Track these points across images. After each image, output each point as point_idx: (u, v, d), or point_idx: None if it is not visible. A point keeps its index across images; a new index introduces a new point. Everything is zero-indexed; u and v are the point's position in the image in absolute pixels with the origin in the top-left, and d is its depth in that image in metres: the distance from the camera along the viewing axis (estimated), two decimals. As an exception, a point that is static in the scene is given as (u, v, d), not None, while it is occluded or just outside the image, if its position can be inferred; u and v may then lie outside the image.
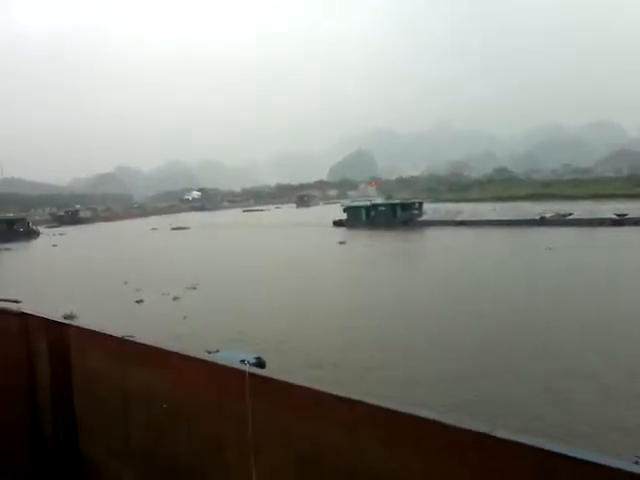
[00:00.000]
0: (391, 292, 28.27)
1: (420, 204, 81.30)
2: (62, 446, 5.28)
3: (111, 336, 4.74)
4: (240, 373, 3.63)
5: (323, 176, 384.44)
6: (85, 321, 5.54)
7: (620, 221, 57.36)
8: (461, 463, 2.70)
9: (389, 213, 77.47)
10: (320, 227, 78.01)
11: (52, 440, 5.36)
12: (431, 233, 64.88)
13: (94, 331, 5.01)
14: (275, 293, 29.09)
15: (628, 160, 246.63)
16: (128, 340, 4.56)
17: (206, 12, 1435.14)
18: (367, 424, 3.05)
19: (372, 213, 79.55)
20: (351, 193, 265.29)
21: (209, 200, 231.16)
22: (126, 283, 33.57)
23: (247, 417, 3.55)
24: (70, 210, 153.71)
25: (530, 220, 64.28)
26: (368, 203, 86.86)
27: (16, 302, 5.93)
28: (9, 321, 5.63)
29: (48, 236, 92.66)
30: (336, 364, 16.38)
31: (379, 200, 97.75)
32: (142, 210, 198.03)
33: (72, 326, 5.31)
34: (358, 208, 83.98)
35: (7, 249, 69.72)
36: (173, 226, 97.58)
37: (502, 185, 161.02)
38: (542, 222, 62.72)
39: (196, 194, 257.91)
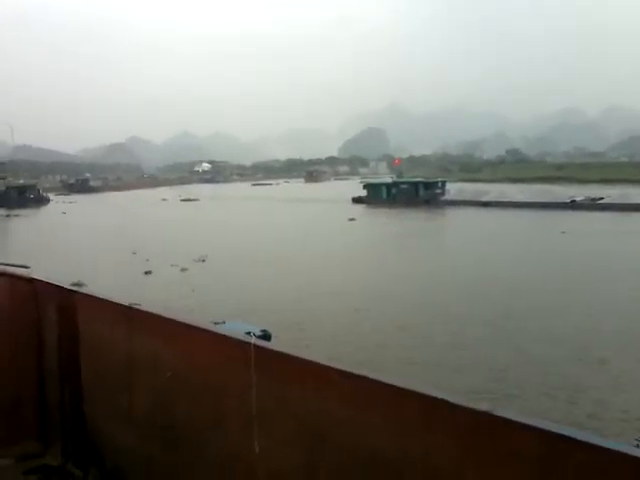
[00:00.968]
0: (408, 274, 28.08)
1: (443, 183, 79.86)
2: (67, 409, 5.35)
3: (118, 304, 4.76)
4: (246, 345, 3.64)
5: (334, 152, 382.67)
6: (93, 290, 5.57)
7: None
8: (464, 442, 2.71)
9: (411, 191, 76.17)
10: (338, 203, 77.15)
11: (58, 403, 5.43)
12: (454, 213, 63.56)
13: (101, 298, 5.04)
14: (284, 269, 29.06)
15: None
16: (135, 308, 4.58)
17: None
18: (371, 400, 3.06)
19: (393, 191, 78.24)
20: (362, 170, 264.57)
21: (219, 173, 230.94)
22: (134, 253, 33.67)
23: (251, 389, 3.57)
24: (80, 178, 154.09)
25: (560, 203, 62.69)
26: (389, 180, 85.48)
27: (25, 267, 5.95)
28: (18, 286, 5.67)
29: (58, 203, 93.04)
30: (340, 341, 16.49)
31: (390, 178, 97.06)
32: (152, 181, 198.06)
33: (80, 293, 5.35)
34: (379, 185, 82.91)
35: (17, 215, 70.12)
36: (182, 197, 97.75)
37: (513, 167, 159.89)
38: (573, 206, 60.98)
39: (206, 166, 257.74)
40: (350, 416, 3.17)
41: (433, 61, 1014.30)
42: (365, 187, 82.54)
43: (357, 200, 79.13)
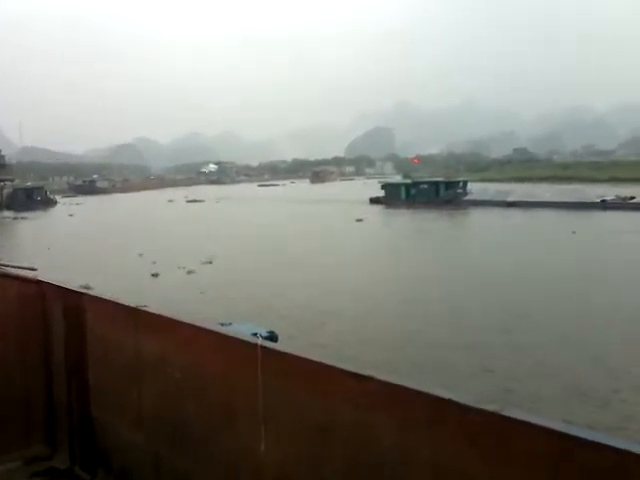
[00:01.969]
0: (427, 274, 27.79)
1: (465, 183, 78.09)
2: (75, 411, 5.36)
3: (125, 305, 4.77)
4: (252, 346, 3.64)
5: (342, 152, 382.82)
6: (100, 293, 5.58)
7: None
8: (473, 442, 2.70)
9: (431, 191, 74.48)
10: (354, 204, 75.27)
11: (66, 405, 5.45)
12: (477, 214, 61.65)
13: (108, 300, 5.06)
14: (291, 270, 28.90)
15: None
16: (142, 310, 4.59)
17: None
18: (378, 400, 3.05)
19: (412, 191, 76.47)
20: (368, 170, 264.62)
21: (225, 174, 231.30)
22: (141, 255, 33.68)
23: (258, 390, 3.57)
24: (87, 180, 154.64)
25: (590, 203, 60.50)
26: (409, 180, 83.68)
27: (32, 270, 5.98)
28: (26, 288, 5.69)
29: (65, 205, 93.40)
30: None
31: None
32: (159, 181, 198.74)
33: (87, 295, 5.36)
34: (397, 185, 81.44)
35: (24, 218, 70.37)
36: (189, 199, 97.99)
37: (521, 166, 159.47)
38: (604, 206, 58.92)
39: (213, 167, 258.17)
40: (357, 416, 3.17)
41: (441, 59, 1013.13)
42: (383, 187, 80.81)
43: (375, 201, 77.38)
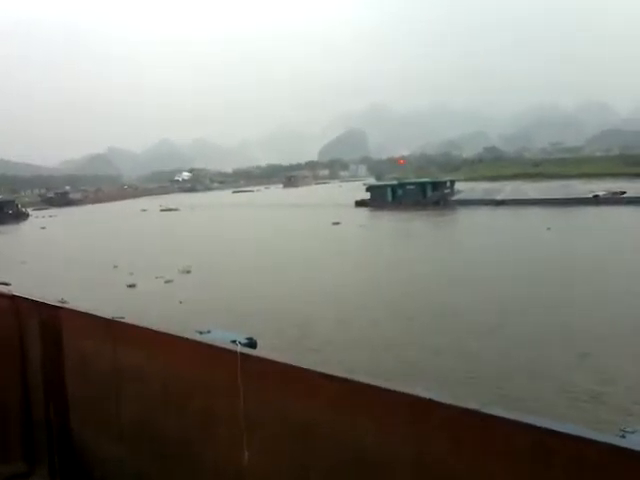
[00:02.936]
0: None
1: (452, 182, 77.43)
2: (54, 426, 5.29)
3: (102, 317, 4.73)
4: (231, 353, 3.63)
5: (316, 156, 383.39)
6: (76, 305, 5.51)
7: None
8: (454, 440, 2.72)
9: (418, 192, 73.12)
10: (340, 207, 73.71)
11: (44, 420, 5.37)
12: (466, 214, 60.33)
13: (85, 313, 5.00)
14: (269, 277, 28.71)
15: (618, 140, 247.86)
16: (118, 321, 4.55)
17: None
18: (358, 402, 3.07)
19: (399, 192, 75.16)
20: (342, 173, 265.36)
21: (199, 181, 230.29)
22: (116, 267, 33.20)
23: (239, 396, 3.56)
24: (60, 192, 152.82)
25: (582, 199, 59.23)
26: (395, 182, 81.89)
27: (6, 284, 5.90)
28: (0, 303, 5.60)
29: (37, 218, 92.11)
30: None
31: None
32: (132, 191, 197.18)
33: (63, 308, 5.30)
34: (383, 187, 79.79)
35: (-6, 232, 69.18)
36: (162, 207, 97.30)
37: (491, 165, 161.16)
38: (597, 201, 57.64)
39: (186, 175, 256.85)
40: (338, 419, 3.18)
41: (411, 61, 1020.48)
42: (368, 189, 79.57)
43: (360, 203, 76.26)
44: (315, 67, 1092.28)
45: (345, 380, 3.10)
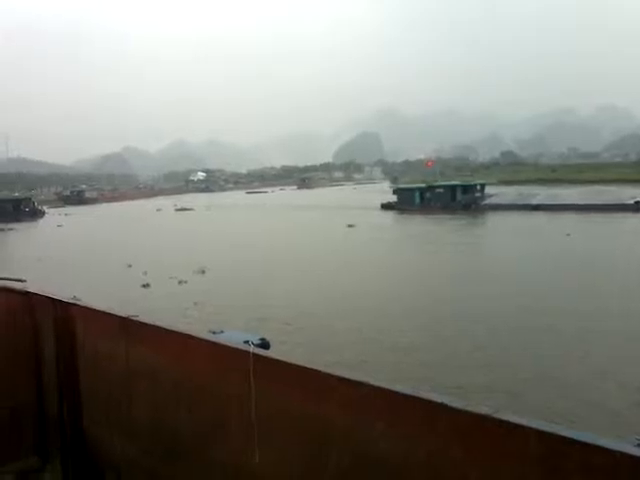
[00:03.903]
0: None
1: (482, 186, 74.00)
2: (67, 423, 5.32)
3: (115, 315, 4.75)
4: (244, 354, 3.63)
5: (330, 157, 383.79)
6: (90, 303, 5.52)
7: None
8: (467, 446, 2.71)
9: (447, 196, 70.52)
10: (365, 210, 71.91)
11: (57, 416, 5.40)
12: (499, 218, 57.36)
13: (99, 310, 5.03)
14: (286, 278, 28.29)
15: (636, 145, 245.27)
16: (132, 319, 4.57)
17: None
18: (372, 405, 3.05)
19: (427, 195, 72.50)
20: (357, 176, 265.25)
21: (214, 182, 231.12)
22: (130, 266, 33.24)
23: (251, 397, 3.55)
24: (76, 190, 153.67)
25: (622, 205, 56.44)
26: (423, 185, 78.67)
27: (20, 281, 5.94)
28: (14, 300, 5.64)
29: (53, 216, 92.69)
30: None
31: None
32: (148, 191, 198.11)
33: (77, 305, 5.32)
34: (411, 190, 76.74)
35: (11, 229, 69.80)
36: (177, 207, 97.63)
37: (507, 169, 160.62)
38: (638, 207, 54.65)
39: (201, 175, 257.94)
40: (351, 422, 3.17)
41: (426, 64, 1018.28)
42: (395, 192, 77.19)
43: (386, 206, 73.82)
44: (331, 71, 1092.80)
45: (359, 383, 3.08)
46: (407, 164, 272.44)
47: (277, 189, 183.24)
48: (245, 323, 18.34)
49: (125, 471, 4.78)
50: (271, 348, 11.29)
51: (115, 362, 4.76)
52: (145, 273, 30.09)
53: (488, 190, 74.58)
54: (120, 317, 4.67)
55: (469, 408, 2.68)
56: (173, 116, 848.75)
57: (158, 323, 4.46)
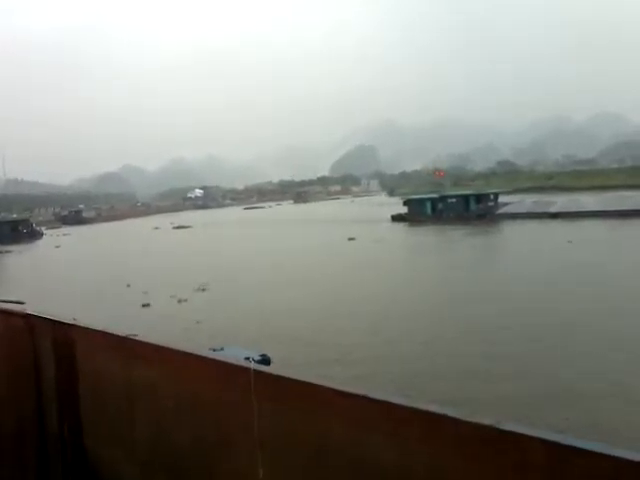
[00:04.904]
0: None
1: (496, 195, 73.09)
2: (68, 444, 5.30)
3: (115, 335, 4.74)
4: (245, 370, 3.62)
5: (327, 171, 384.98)
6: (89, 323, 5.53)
7: None
8: (469, 457, 2.69)
9: (461, 206, 69.76)
10: (375, 223, 70.93)
11: (58, 438, 5.37)
12: (516, 227, 55.42)
13: (98, 330, 5.02)
14: (286, 295, 28.27)
15: (632, 151, 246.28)
16: (132, 339, 4.56)
17: (204, 9, 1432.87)
18: (373, 419, 3.04)
19: (440, 206, 71.56)
20: (354, 189, 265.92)
21: (211, 198, 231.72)
22: (129, 286, 33.06)
23: (253, 414, 3.54)
24: (73, 210, 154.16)
25: None
26: (435, 195, 77.65)
27: (20, 303, 5.94)
28: (14, 322, 5.64)
29: (52, 237, 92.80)
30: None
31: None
32: (145, 209, 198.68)
33: (77, 326, 5.32)
34: (422, 201, 75.54)
35: (9, 251, 69.70)
36: (175, 225, 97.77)
37: (505, 178, 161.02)
38: None
39: (198, 192, 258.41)
40: (353, 436, 3.15)
41: (421, 74, 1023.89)
42: (406, 203, 75.66)
43: (397, 218, 72.75)
44: (325, 85, 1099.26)
45: (360, 397, 3.08)
46: (404, 175, 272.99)
47: (274, 204, 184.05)
48: (246, 340, 18.31)
49: None
50: (272, 364, 11.28)
51: (115, 381, 4.75)
52: (145, 292, 29.99)
53: (501, 199, 73.55)
54: (119, 336, 4.67)
55: (470, 419, 2.67)
56: (172, 134, 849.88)
57: (157, 341, 4.45)
